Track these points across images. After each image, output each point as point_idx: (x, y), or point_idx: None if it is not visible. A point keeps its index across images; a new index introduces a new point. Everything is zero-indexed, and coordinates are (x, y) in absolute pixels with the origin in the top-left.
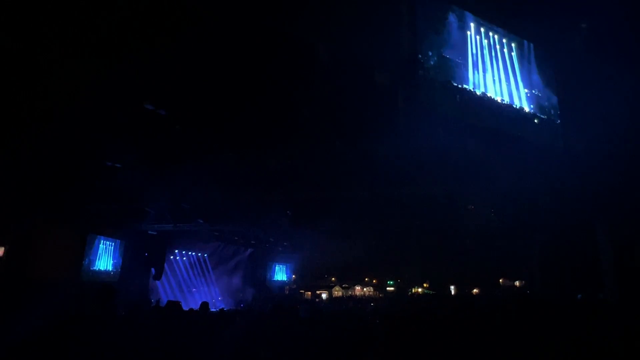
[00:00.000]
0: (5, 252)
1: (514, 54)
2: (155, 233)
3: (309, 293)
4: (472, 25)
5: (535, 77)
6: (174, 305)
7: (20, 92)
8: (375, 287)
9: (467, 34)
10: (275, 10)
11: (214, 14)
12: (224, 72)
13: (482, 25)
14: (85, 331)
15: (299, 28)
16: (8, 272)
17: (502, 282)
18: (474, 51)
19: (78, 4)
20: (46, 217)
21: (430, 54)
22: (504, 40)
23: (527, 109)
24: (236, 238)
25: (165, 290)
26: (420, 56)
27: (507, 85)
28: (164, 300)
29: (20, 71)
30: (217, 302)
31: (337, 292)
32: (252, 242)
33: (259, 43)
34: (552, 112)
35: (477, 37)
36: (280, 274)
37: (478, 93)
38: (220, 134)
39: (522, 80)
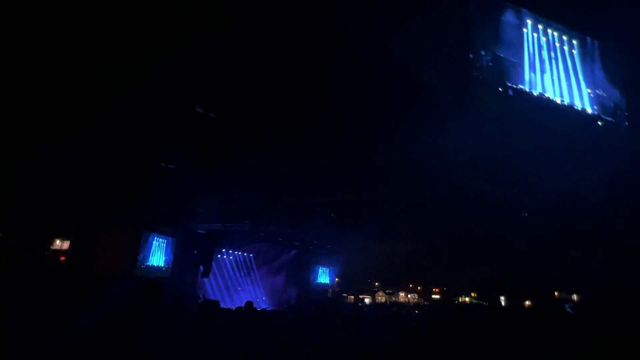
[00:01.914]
0: (70, 246)
1: (575, 51)
2: (204, 232)
3: (352, 297)
4: (528, 22)
5: (600, 76)
6: (213, 304)
7: (82, 98)
8: (419, 294)
9: (523, 32)
10: (314, 11)
11: (257, 17)
12: (269, 75)
13: (540, 22)
14: (134, 325)
15: (341, 28)
16: (72, 266)
17: (557, 295)
18: (531, 50)
19: (128, 9)
20: (105, 214)
21: (483, 53)
22: (565, 38)
23: (589, 111)
24: (280, 239)
25: (212, 287)
26: (472, 56)
27: (567, 85)
28: (210, 297)
29: (76, 75)
30: (261, 301)
31: (381, 297)
32: (296, 243)
33: (301, 45)
34: (619, 113)
35: (535, 34)
36: (324, 277)
37: (535, 94)
38: (266, 136)
39: (585, 80)
